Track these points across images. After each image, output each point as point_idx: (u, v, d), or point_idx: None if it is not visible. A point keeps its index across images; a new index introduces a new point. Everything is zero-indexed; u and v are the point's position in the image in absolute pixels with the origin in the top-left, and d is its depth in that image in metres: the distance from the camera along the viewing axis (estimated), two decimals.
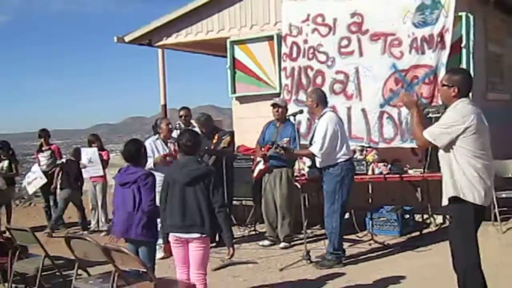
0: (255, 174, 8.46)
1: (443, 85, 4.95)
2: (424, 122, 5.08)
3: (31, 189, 10.94)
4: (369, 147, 8.73)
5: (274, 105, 8.35)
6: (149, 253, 5.56)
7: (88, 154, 10.34)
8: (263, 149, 8.30)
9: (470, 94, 8.19)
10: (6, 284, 6.35)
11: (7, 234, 6.55)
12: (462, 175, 4.71)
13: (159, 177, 6.25)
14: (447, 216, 5.06)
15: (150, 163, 7.74)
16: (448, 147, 4.73)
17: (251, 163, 8.79)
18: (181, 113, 9.53)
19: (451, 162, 4.78)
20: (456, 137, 4.63)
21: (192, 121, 9.23)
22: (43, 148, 11.00)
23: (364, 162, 8.53)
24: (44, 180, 10.84)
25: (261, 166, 8.33)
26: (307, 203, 8.31)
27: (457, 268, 4.77)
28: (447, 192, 4.81)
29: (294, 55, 9.34)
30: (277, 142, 7.69)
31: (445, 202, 4.87)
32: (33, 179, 10.78)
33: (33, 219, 12.06)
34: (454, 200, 4.75)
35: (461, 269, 4.72)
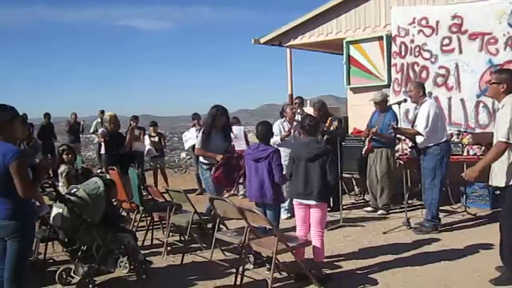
0: (363, 152, 8.37)
1: (493, 83, 4.75)
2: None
3: (186, 145, 11.23)
4: (466, 131, 8.38)
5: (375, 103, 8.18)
6: (274, 214, 5.62)
7: (235, 131, 10.50)
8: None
9: None
10: (165, 233, 6.69)
11: (166, 194, 6.86)
12: None
13: (284, 153, 6.27)
14: None
15: (277, 140, 7.77)
16: None
17: (361, 143, 8.63)
18: (296, 101, 9.57)
19: None
20: None
21: (304, 109, 9.14)
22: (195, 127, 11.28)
23: (460, 145, 8.21)
24: (194, 141, 11.07)
25: (366, 145, 8.26)
26: (408, 178, 8.03)
27: None
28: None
29: (403, 53, 9.12)
30: (371, 131, 7.84)
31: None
32: (189, 138, 11.03)
33: (187, 183, 12.43)
34: None
35: None
